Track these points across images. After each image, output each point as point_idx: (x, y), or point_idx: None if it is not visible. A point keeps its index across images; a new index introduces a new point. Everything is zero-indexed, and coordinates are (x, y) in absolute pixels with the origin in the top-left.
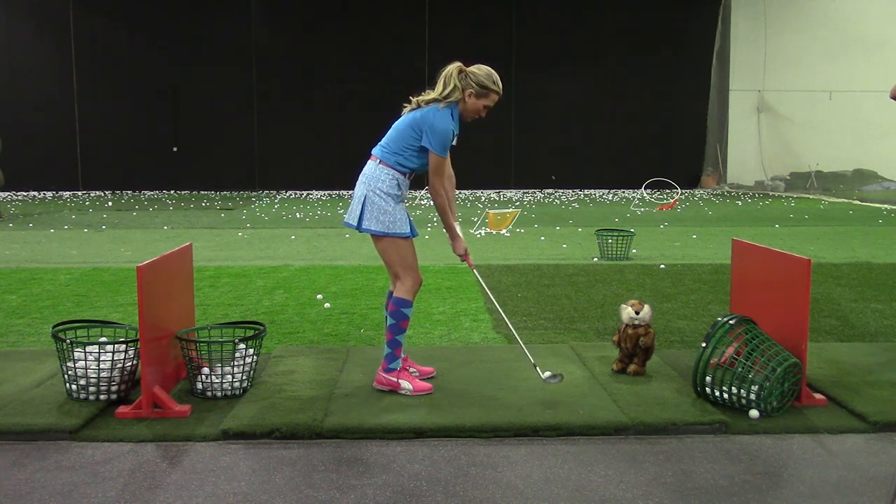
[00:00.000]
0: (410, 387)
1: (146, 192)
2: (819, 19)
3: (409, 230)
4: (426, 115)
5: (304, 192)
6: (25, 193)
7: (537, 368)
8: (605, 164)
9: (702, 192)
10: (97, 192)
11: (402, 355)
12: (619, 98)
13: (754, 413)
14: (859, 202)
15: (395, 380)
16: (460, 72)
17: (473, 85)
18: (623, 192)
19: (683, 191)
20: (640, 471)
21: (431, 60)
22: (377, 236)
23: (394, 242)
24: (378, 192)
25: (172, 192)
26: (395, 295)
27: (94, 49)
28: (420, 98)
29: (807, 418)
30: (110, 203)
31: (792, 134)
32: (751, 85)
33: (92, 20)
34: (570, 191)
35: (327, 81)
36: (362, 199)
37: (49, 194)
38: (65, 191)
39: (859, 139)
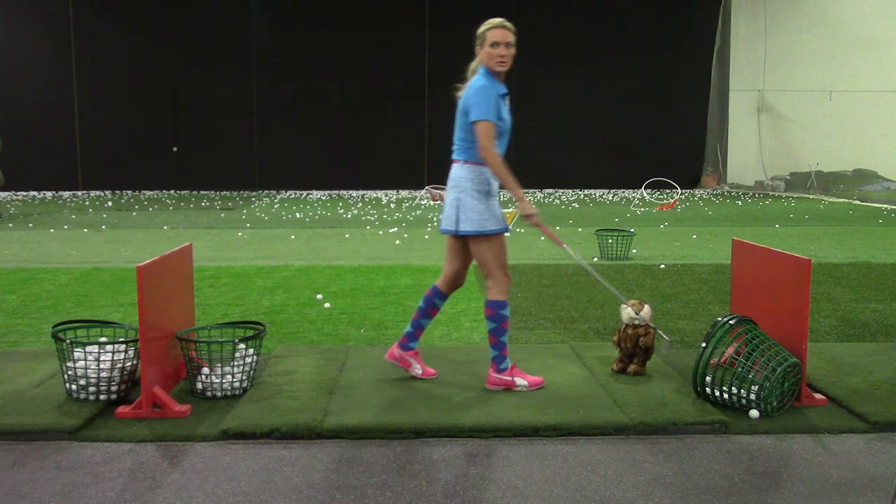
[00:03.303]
0: (525, 383)
1: (146, 192)
2: (819, 19)
3: (503, 225)
4: (466, 92)
5: (304, 192)
6: (25, 193)
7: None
8: (605, 164)
9: (702, 192)
10: (97, 192)
11: (507, 351)
12: (618, 98)
13: (754, 413)
14: (859, 202)
15: (509, 378)
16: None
17: (477, 41)
18: (623, 192)
19: (683, 191)
20: (640, 471)
21: (431, 60)
22: (474, 237)
23: (489, 240)
24: (468, 192)
25: (172, 192)
26: (490, 298)
27: (94, 49)
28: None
29: (807, 418)
30: (110, 203)
31: (792, 134)
32: (751, 85)
33: (92, 20)
34: (570, 191)
35: (327, 81)
36: (455, 203)
37: (49, 194)
38: (65, 191)
39: (859, 139)
